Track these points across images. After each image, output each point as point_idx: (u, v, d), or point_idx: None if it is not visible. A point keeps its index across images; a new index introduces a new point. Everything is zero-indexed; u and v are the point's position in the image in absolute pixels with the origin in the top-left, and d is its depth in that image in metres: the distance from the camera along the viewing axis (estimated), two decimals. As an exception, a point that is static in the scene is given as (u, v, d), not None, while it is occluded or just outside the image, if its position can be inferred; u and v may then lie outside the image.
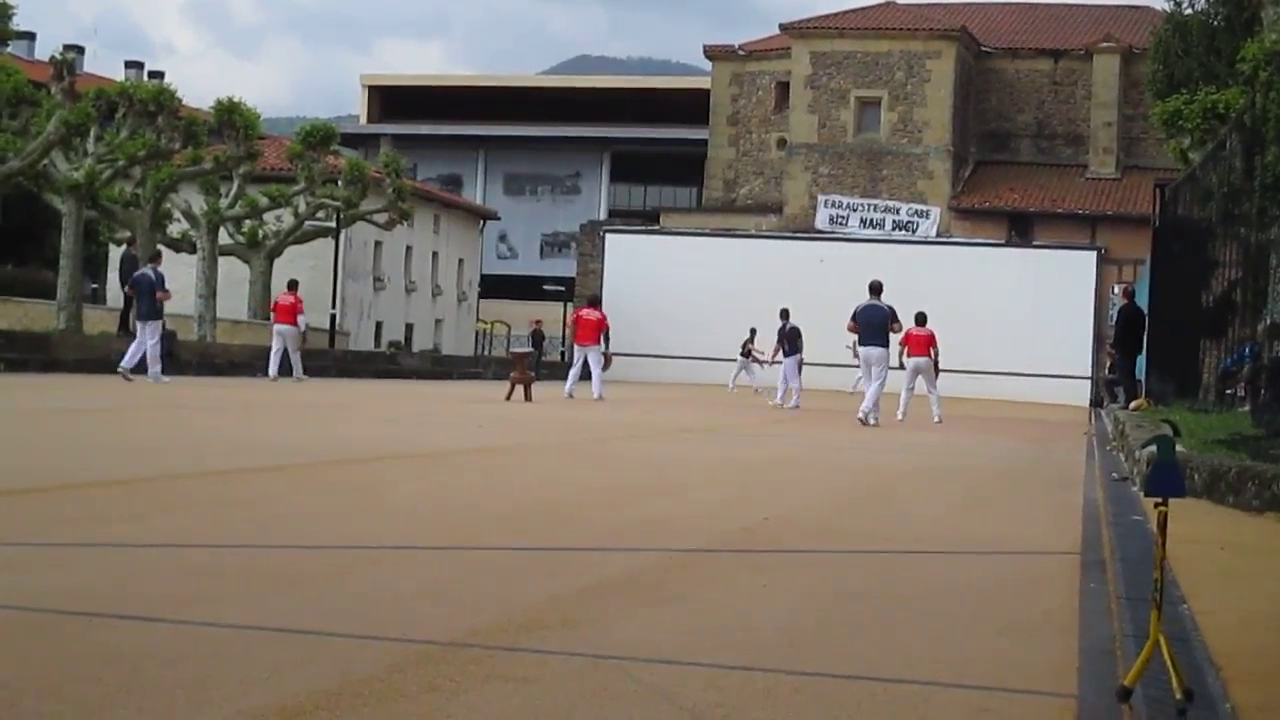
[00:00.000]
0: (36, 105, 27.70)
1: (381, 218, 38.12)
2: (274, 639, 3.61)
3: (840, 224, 46.40)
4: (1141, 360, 21.36)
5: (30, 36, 48.36)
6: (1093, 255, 43.84)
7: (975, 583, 5.21)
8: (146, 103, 28.90)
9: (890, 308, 18.74)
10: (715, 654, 3.65)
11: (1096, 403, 35.26)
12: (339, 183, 36.68)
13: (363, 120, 71.31)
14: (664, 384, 37.96)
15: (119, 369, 20.27)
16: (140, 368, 20.41)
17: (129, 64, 54.66)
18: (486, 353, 53.26)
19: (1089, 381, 40.81)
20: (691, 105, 59.56)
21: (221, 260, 33.60)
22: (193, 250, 33.48)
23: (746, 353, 35.34)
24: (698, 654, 3.65)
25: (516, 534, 5.99)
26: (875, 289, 18.93)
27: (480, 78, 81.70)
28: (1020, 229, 46.19)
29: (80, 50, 49.48)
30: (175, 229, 34.46)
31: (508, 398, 20.65)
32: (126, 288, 24.04)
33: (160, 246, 28.98)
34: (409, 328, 48.94)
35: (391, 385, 26.95)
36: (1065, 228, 45.26)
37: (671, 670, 3.47)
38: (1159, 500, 3.39)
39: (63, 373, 21.79)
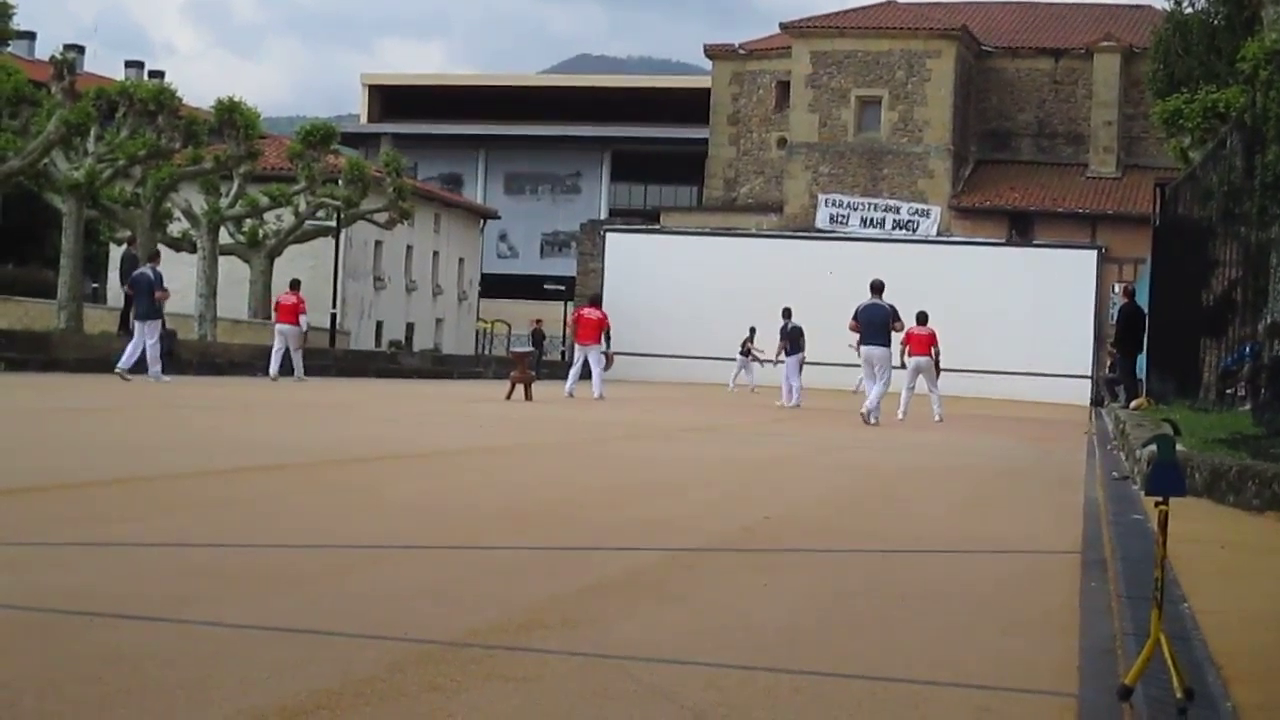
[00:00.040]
0: (37, 105, 27.70)
1: (382, 217, 38.12)
2: (274, 639, 3.61)
3: (841, 223, 46.40)
4: (1142, 359, 21.36)
5: (30, 36, 48.40)
6: (1093, 254, 43.83)
7: (976, 582, 5.21)
8: (147, 102, 28.90)
9: (892, 307, 18.73)
10: (715, 653, 3.65)
11: (1097, 402, 35.26)
12: (339, 182, 36.69)
13: (363, 120, 71.33)
14: (664, 383, 37.94)
15: (116, 370, 20.26)
16: (138, 367, 20.40)
17: (129, 63, 54.72)
18: (487, 352, 53.29)
19: (1089, 380, 40.81)
20: (692, 104, 59.57)
21: (222, 260, 33.61)
22: (193, 250, 33.49)
23: (746, 352, 35.38)
24: (698, 653, 3.65)
25: (516, 534, 5.99)
26: (876, 288, 18.91)
27: (480, 77, 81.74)
28: (1021, 228, 46.19)
29: (80, 50, 49.52)
30: (176, 228, 34.48)
31: (508, 397, 20.65)
32: (126, 287, 24.05)
33: (160, 246, 29.01)
34: (409, 327, 48.96)
35: (392, 385, 26.94)
36: (1066, 227, 45.26)
37: (671, 670, 3.47)
38: (1159, 499, 3.39)
39: (63, 372, 21.78)
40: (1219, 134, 20.00)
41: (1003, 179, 48.00)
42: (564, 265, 58.62)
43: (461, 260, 53.75)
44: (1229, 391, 17.38)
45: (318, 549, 5.24)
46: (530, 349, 31.14)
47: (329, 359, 31.87)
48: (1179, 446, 4.50)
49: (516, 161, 68.14)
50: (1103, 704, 3.28)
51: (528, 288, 59.00)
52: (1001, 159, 49.16)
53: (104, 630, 3.61)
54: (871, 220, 46.24)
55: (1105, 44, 47.99)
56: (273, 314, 28.22)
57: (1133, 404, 19.12)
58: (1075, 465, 12.34)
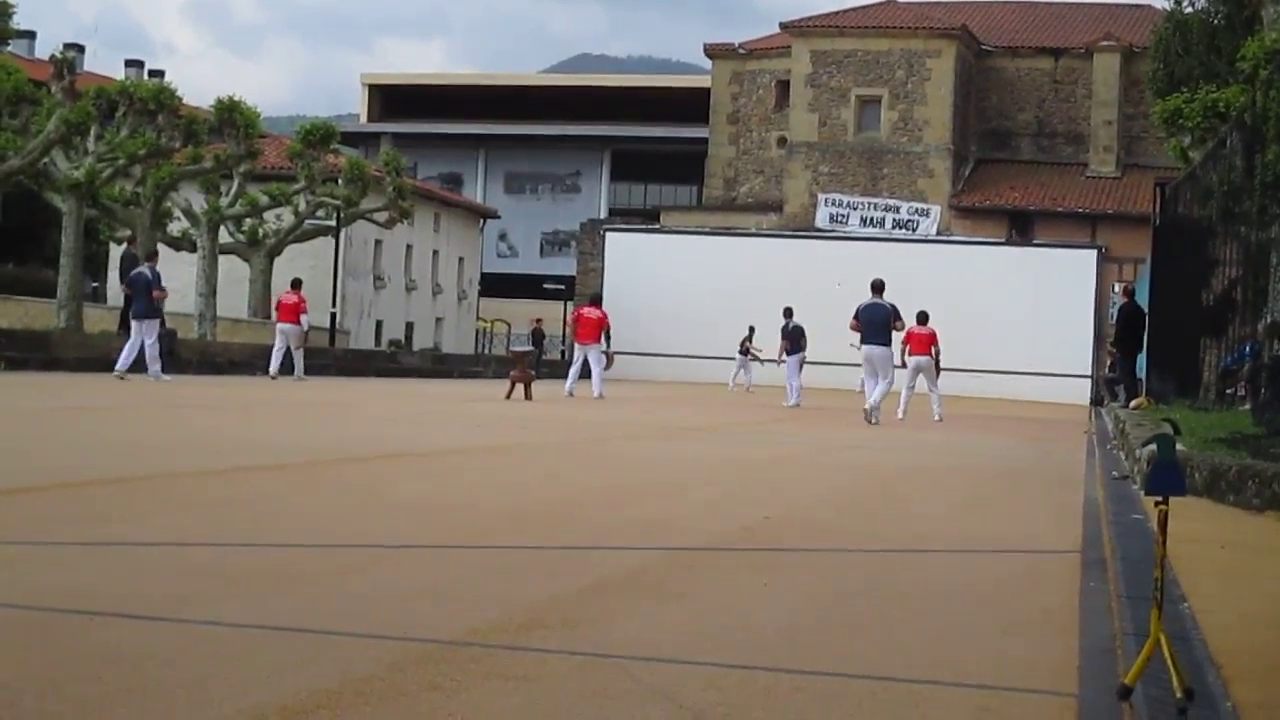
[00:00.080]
0: (37, 104, 27.70)
1: (382, 216, 38.12)
2: (274, 638, 3.61)
3: (840, 222, 46.40)
4: (1142, 359, 21.37)
5: (30, 35, 48.41)
6: (1093, 254, 43.83)
7: (975, 582, 5.21)
8: (147, 101, 28.90)
9: (892, 306, 18.72)
10: (715, 653, 3.65)
11: (1097, 401, 35.26)
12: (339, 181, 36.69)
13: (363, 119, 71.31)
14: (664, 382, 37.95)
15: (114, 371, 20.26)
16: (137, 366, 20.39)
17: (129, 63, 54.74)
18: (487, 351, 53.29)
19: (1089, 380, 40.81)
20: (691, 104, 59.56)
21: (222, 259, 33.62)
22: (193, 249, 33.50)
23: (745, 351, 35.39)
24: (698, 653, 3.65)
25: (516, 533, 5.99)
26: (877, 287, 18.90)
27: (480, 76, 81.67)
28: (1020, 228, 46.19)
29: (80, 49, 49.51)
30: (176, 227, 34.49)
31: (508, 396, 20.65)
32: (125, 286, 24.05)
33: (160, 245, 29.02)
34: (409, 326, 48.96)
35: (392, 384, 26.94)
36: (1065, 226, 45.25)
37: (672, 669, 3.47)
38: (1159, 499, 3.39)
39: (63, 371, 21.78)
40: (1219, 133, 20.00)
41: (1003, 178, 48.00)
42: (564, 265, 58.63)
43: (461, 259, 53.75)
44: (1229, 391, 17.39)
45: (318, 549, 5.24)
46: (530, 348, 31.14)
47: (329, 358, 31.86)
48: (1179, 446, 4.50)
49: (516, 161, 68.15)
50: (1103, 704, 3.28)
51: (527, 287, 59.00)
52: (1001, 158, 49.16)
53: (104, 630, 3.61)
54: (871, 220, 46.24)
55: (1105, 43, 47.98)
56: (274, 313, 28.22)
57: (1133, 403, 19.12)
58: (1075, 465, 12.34)
